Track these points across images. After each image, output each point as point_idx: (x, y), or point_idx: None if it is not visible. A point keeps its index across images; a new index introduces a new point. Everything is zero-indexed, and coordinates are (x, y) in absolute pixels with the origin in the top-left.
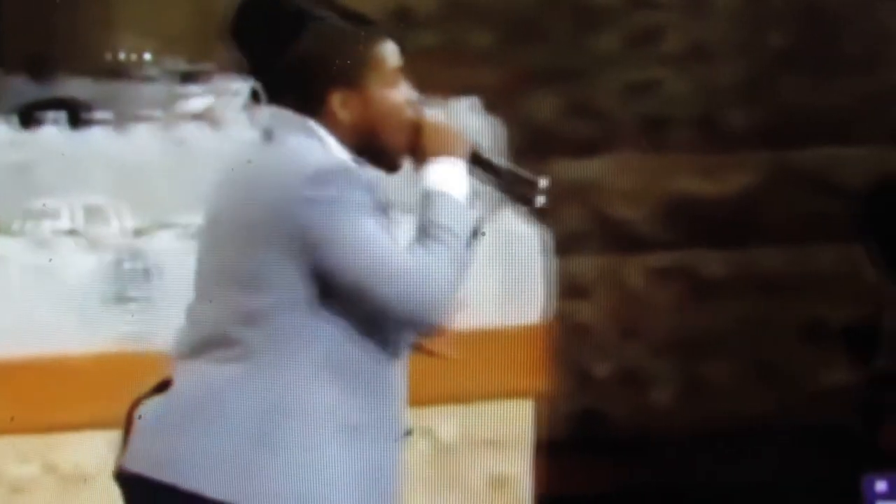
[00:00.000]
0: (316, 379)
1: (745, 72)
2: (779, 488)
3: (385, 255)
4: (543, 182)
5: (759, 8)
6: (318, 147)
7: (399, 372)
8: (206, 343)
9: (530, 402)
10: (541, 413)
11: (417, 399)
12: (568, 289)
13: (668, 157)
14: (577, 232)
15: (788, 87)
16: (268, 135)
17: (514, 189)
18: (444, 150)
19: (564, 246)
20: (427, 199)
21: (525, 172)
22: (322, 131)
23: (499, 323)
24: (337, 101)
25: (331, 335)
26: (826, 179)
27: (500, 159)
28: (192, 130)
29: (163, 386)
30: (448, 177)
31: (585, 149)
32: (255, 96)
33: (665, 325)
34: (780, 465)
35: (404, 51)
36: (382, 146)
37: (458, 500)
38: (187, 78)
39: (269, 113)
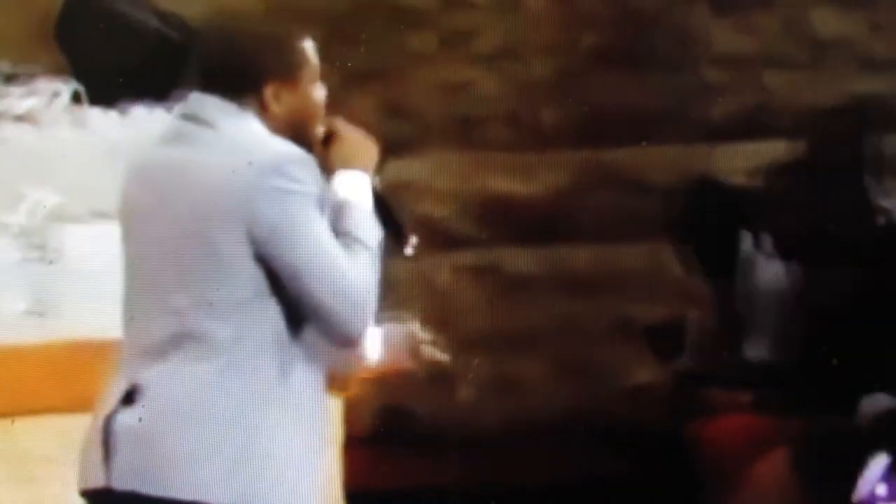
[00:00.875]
0: (282, 375)
1: (556, 71)
2: (587, 486)
3: (330, 255)
4: (414, 240)
5: (570, 7)
6: (267, 133)
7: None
8: (169, 342)
9: (338, 400)
10: (348, 410)
11: None
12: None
13: (481, 156)
14: None
15: (599, 85)
16: (198, 120)
17: (392, 229)
18: (358, 162)
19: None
20: (343, 209)
21: (407, 222)
22: (254, 120)
23: None
24: (270, 93)
25: (283, 327)
26: (636, 178)
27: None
28: (13, 130)
29: (130, 396)
30: (360, 188)
31: (400, 148)
32: (76, 98)
33: (474, 323)
34: (588, 463)
35: None
36: (306, 141)
37: None
38: (10, 80)
39: (195, 100)
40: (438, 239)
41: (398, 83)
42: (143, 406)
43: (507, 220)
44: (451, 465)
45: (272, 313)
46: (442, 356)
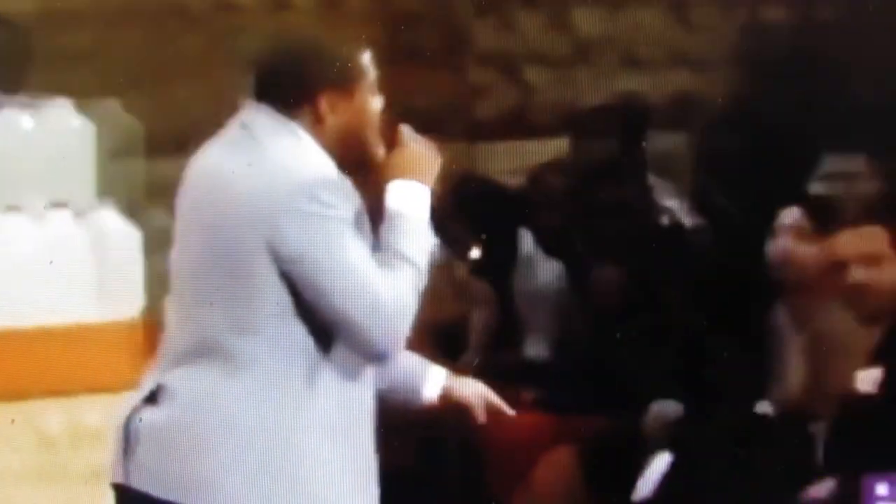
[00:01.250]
0: (310, 391)
1: None
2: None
3: (361, 274)
4: (476, 250)
5: (337, 5)
6: (306, 154)
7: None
8: (196, 350)
9: None
10: None
11: (19, 393)
12: (161, 286)
13: None
14: (168, 230)
15: None
16: (247, 131)
17: (455, 244)
18: (418, 173)
19: (155, 243)
20: (393, 221)
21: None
22: (305, 134)
23: (99, 318)
24: (326, 103)
25: (311, 343)
26: None
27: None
28: None
29: (154, 395)
30: (415, 199)
31: (176, 149)
32: None
33: None
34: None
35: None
36: (362, 153)
37: (62, 492)
38: None
39: (249, 110)
40: None
41: (173, 86)
42: (165, 407)
43: None
44: None
45: (299, 330)
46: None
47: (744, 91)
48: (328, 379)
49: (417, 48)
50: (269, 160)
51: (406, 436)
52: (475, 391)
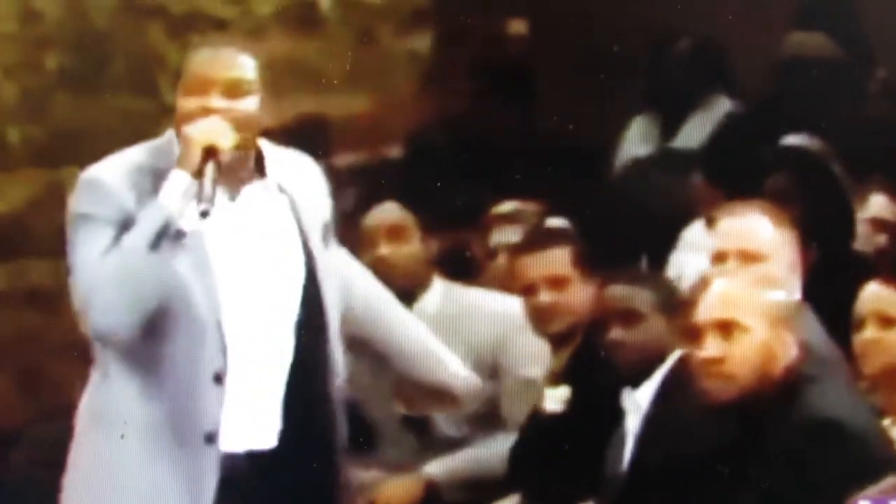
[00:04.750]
0: (117, 384)
1: (21, 92)
2: None
3: (80, 262)
4: None
5: (34, 29)
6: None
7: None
8: None
9: None
10: None
11: None
12: None
13: None
14: None
15: (62, 107)
16: None
17: None
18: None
19: None
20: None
21: None
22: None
23: None
24: None
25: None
26: None
27: None
28: None
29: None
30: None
31: None
32: None
33: None
34: None
35: None
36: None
37: None
38: None
39: None
40: None
41: None
42: None
43: None
44: None
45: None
46: None
47: None
48: (152, 388)
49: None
50: None
51: None
52: None
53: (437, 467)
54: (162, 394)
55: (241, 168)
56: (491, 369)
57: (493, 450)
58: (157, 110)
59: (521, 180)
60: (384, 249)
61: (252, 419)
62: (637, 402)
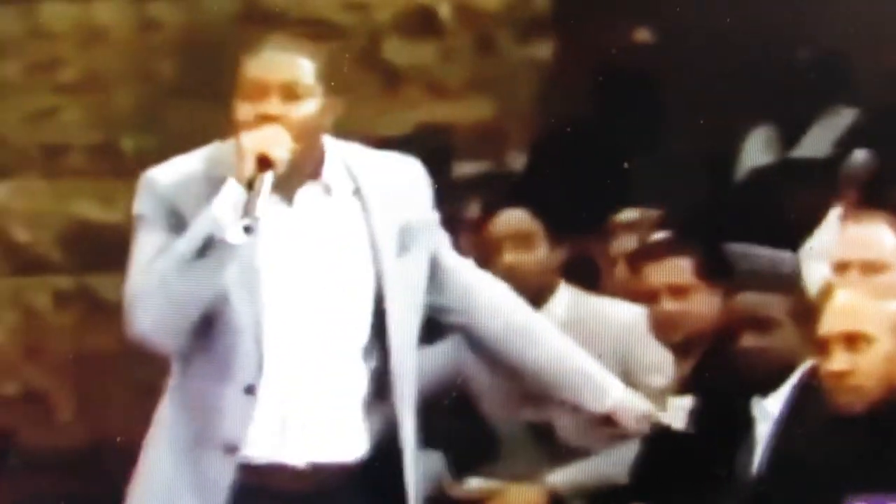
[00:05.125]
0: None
1: (136, 100)
2: None
3: (133, 264)
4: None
5: (149, 38)
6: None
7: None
8: None
9: None
10: None
11: None
12: None
13: (68, 182)
14: None
15: (176, 114)
16: None
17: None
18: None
19: None
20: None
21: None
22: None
23: None
24: None
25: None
26: None
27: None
28: None
29: None
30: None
31: None
32: None
33: (67, 346)
34: None
35: None
36: None
37: None
38: None
39: None
40: (26, 263)
41: None
42: None
43: (92, 246)
44: (58, 480)
45: None
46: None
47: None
48: (182, 392)
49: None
50: None
51: None
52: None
53: (560, 477)
54: (189, 399)
55: (300, 174)
56: (618, 378)
57: (617, 459)
58: None
59: (642, 189)
60: (510, 257)
61: (283, 434)
62: (767, 410)
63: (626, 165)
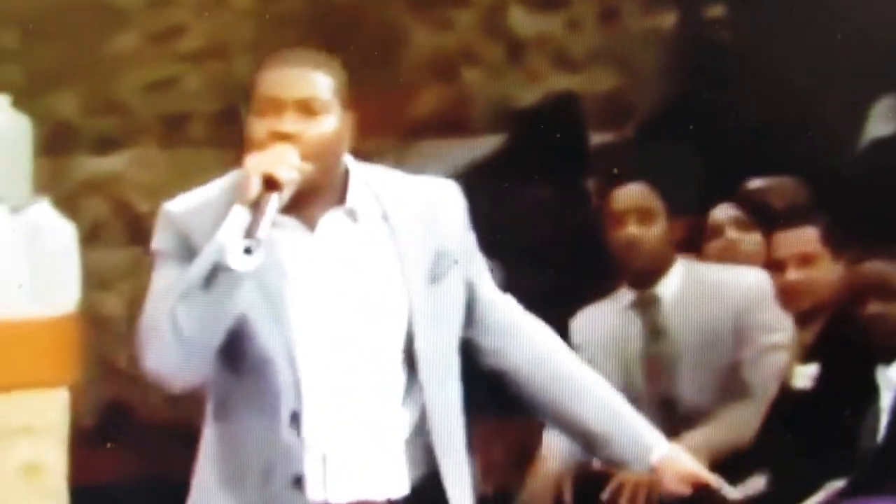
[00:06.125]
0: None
1: (258, 67)
2: None
3: (147, 300)
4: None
5: (273, 5)
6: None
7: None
8: None
9: (65, 392)
10: (74, 402)
11: None
12: (94, 281)
13: (187, 152)
14: (101, 225)
15: None
16: None
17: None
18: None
19: (90, 239)
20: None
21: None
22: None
23: (30, 314)
24: None
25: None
26: None
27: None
28: None
29: None
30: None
31: (108, 145)
32: None
33: None
34: None
35: None
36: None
37: None
38: None
39: None
40: (146, 234)
41: (104, 81)
42: None
43: None
44: (171, 456)
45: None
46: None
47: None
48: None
49: (355, 47)
50: None
51: None
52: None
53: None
54: (233, 434)
55: (320, 198)
56: (735, 337)
57: (739, 421)
58: (399, 85)
59: (767, 160)
60: (634, 229)
61: (324, 470)
62: (891, 378)
63: (748, 137)
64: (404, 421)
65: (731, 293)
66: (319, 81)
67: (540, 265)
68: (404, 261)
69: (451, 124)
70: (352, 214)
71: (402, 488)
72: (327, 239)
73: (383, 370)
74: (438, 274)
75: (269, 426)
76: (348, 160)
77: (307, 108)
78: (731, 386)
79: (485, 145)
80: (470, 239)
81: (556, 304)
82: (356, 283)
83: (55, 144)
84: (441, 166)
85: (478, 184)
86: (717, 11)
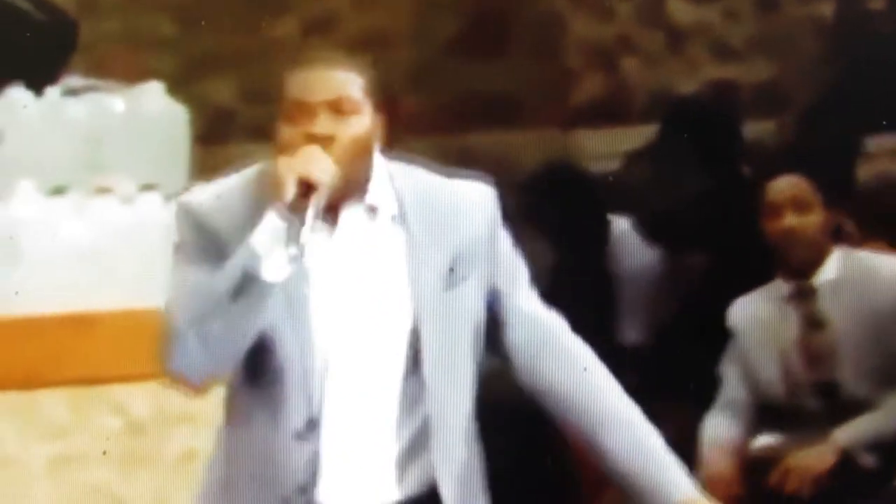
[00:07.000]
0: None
1: (417, 58)
2: None
3: (169, 299)
4: None
5: None
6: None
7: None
8: None
9: None
10: None
11: (104, 377)
12: None
13: None
14: None
15: (459, 72)
16: None
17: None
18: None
19: None
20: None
21: None
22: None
23: None
24: None
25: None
26: (496, 163)
27: None
28: None
29: None
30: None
31: (263, 132)
32: None
33: None
34: None
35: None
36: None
37: (151, 475)
38: None
39: None
40: None
41: (261, 69)
42: None
43: None
44: None
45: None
46: None
47: None
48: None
49: (514, 37)
50: None
51: None
52: None
53: (847, 433)
54: (245, 441)
55: (345, 200)
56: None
57: None
58: (558, 75)
59: None
60: (791, 220)
61: (346, 475)
62: None
63: None
64: (407, 429)
65: (889, 278)
66: (350, 80)
67: (698, 252)
68: (416, 263)
69: (610, 113)
70: (371, 210)
71: (403, 497)
72: (346, 236)
73: (390, 376)
74: (457, 279)
75: (281, 431)
76: (377, 156)
77: (338, 109)
78: (891, 372)
79: (643, 134)
80: (501, 245)
81: (713, 291)
82: (368, 284)
83: (212, 132)
84: (600, 154)
85: (636, 172)
86: (877, 3)
